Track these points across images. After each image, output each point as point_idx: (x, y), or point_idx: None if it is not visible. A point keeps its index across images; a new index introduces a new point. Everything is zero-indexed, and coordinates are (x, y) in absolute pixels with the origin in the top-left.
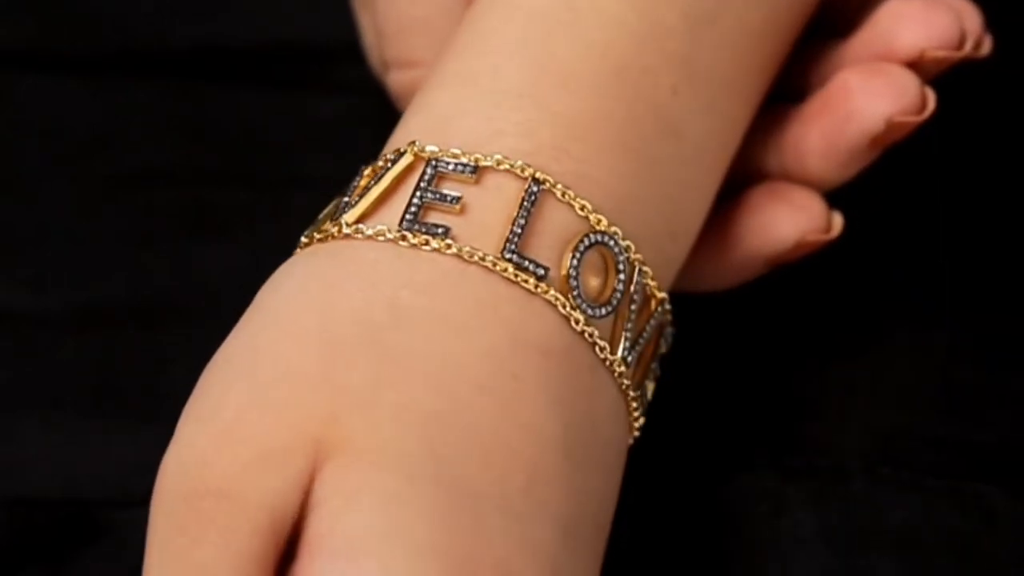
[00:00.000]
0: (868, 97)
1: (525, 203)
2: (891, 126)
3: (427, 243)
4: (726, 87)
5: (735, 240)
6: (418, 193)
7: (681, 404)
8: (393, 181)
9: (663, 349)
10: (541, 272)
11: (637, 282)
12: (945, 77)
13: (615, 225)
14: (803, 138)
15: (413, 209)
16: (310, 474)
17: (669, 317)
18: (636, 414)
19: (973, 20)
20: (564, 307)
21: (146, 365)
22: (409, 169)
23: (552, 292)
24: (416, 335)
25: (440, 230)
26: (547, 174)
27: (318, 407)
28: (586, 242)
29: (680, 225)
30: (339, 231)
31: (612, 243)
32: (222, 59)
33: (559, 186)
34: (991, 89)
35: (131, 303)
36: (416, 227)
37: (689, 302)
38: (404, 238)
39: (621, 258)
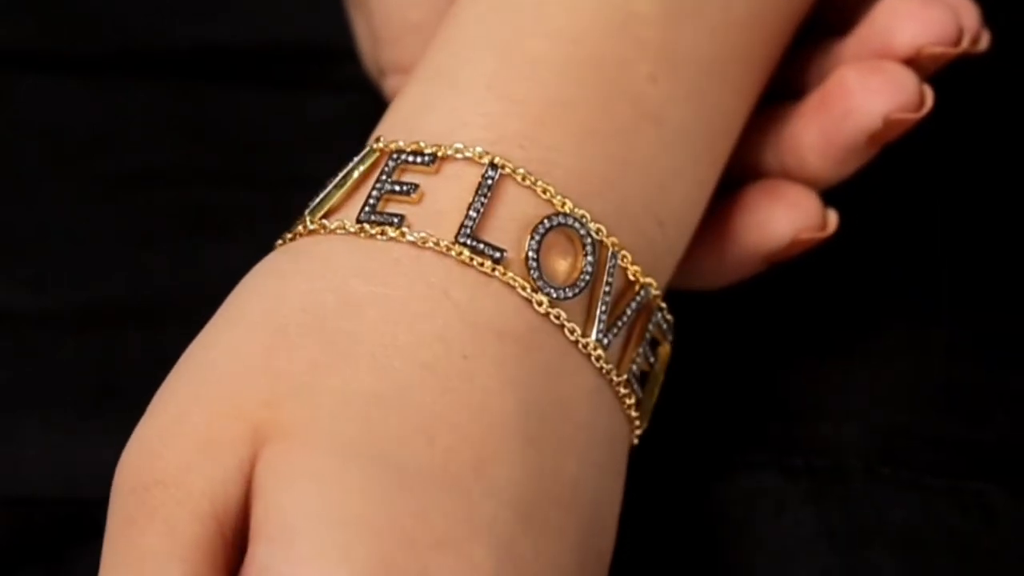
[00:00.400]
0: (866, 94)
1: (481, 188)
2: (889, 123)
3: (383, 232)
4: (713, 75)
5: (731, 237)
6: (377, 185)
7: (681, 404)
8: (359, 177)
9: (654, 334)
10: (497, 255)
11: (612, 264)
12: (943, 74)
13: (583, 208)
14: (801, 136)
15: (372, 201)
16: (251, 461)
17: (659, 303)
18: (629, 401)
19: (970, 16)
20: (524, 289)
21: (146, 365)
22: (374, 165)
23: (510, 274)
24: (362, 321)
25: (396, 219)
26: (508, 160)
27: (258, 394)
28: (546, 224)
29: (667, 211)
30: (304, 228)
31: (578, 225)
32: (222, 59)
33: (520, 171)
34: (989, 85)
35: (131, 303)
36: (373, 218)
37: (687, 300)
38: (363, 230)
39: (588, 240)
